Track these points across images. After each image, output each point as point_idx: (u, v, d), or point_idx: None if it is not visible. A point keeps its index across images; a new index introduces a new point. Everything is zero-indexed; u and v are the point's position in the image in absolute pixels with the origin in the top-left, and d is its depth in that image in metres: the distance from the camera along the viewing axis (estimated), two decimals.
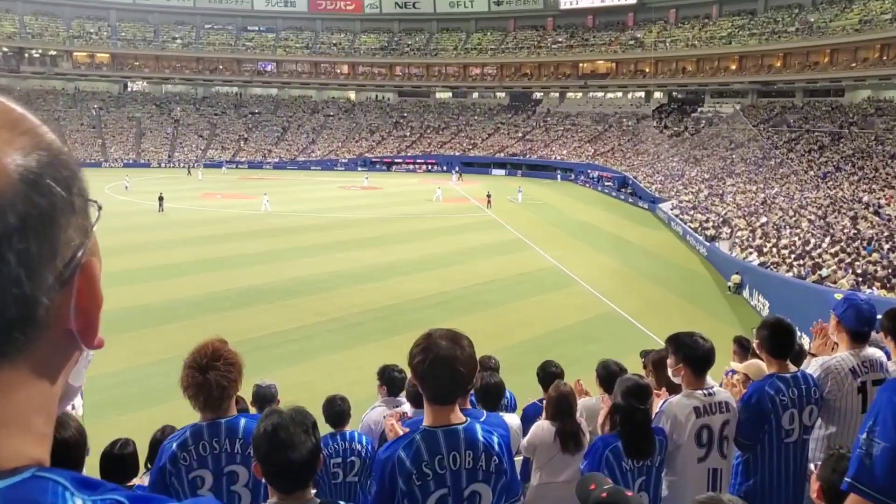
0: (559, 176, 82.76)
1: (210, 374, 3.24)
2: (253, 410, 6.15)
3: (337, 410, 5.82)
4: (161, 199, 47.60)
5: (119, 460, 4.47)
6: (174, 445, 3.35)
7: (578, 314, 23.83)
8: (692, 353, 4.21)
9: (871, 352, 4.44)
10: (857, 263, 25.58)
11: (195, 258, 31.78)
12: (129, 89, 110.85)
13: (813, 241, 30.44)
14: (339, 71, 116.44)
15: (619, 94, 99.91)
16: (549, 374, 6.75)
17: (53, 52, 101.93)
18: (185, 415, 3.50)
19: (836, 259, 26.58)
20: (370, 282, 27.79)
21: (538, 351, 19.38)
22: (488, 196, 53.37)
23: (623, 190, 65.73)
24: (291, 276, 28.51)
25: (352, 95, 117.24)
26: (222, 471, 3.33)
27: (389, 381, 6.45)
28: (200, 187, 64.79)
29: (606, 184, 71.29)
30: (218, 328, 20.48)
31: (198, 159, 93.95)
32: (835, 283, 23.13)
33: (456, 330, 2.91)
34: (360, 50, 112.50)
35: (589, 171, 78.63)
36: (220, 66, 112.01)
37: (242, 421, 3.36)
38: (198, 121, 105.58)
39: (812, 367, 4.64)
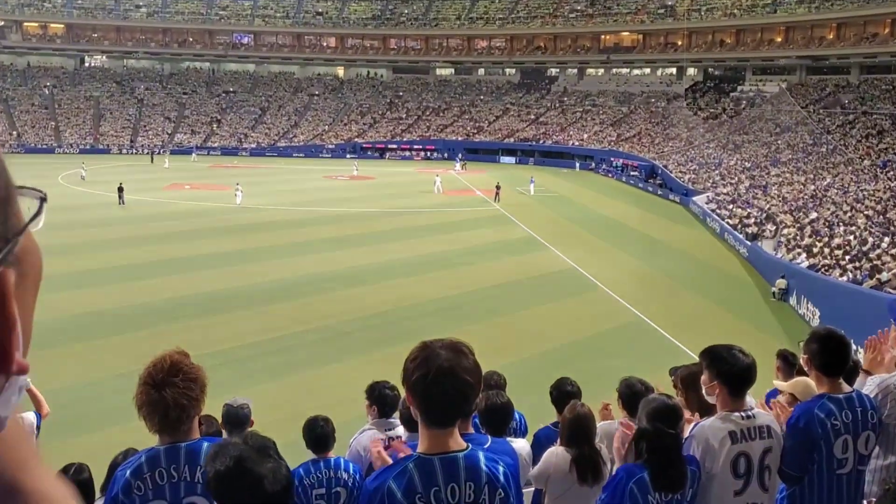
0: (577, 164, 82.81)
1: (167, 391, 3.21)
2: (226, 434, 6.13)
3: (319, 433, 5.79)
4: (121, 190, 47.71)
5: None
6: (128, 473, 3.32)
7: (599, 324, 23.80)
8: (729, 369, 4.18)
9: None
10: None
11: (159, 257, 31.80)
12: (87, 65, 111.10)
13: (871, 240, 30.38)
14: (325, 44, 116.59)
15: (647, 71, 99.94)
16: (564, 393, 6.72)
17: (1, 23, 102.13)
18: (150, 437, 3.48)
19: None
20: (359, 286, 27.78)
21: (552, 366, 19.35)
22: (496, 187, 53.39)
23: (651, 180, 65.72)
24: (269, 278, 28.52)
25: (340, 72, 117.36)
26: (181, 502, 3.31)
27: (380, 399, 6.41)
28: (166, 177, 64.86)
29: (632, 173, 71.29)
30: (184, 338, 20.48)
31: (164, 145, 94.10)
32: None
33: (457, 339, 2.88)
34: (349, 20, 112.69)
35: (612, 158, 78.67)
36: (190, 39, 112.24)
37: (205, 445, 3.33)
38: (164, 101, 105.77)
39: (868, 386, 4.60)
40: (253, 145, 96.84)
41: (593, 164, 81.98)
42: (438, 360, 2.75)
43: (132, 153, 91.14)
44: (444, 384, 2.72)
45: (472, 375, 2.77)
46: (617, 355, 20.66)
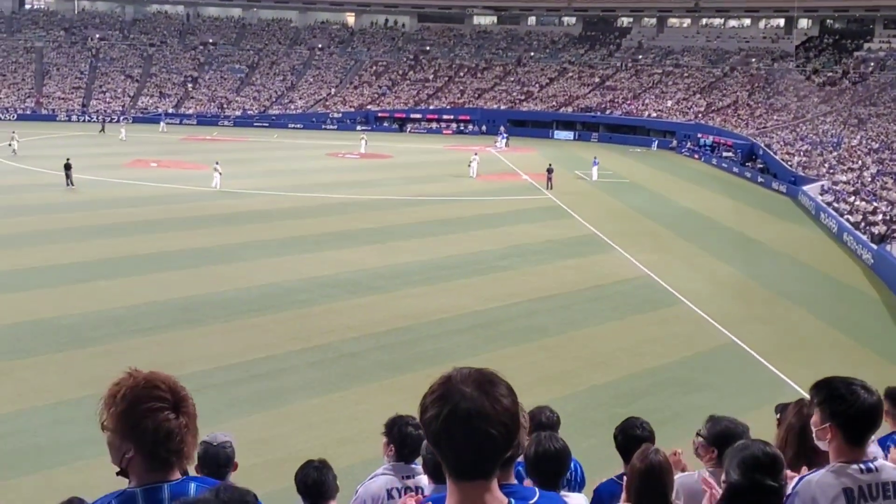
0: (654, 142, 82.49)
1: (181, 416, 3.25)
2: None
3: (314, 481, 5.85)
4: (68, 167, 48.35)
5: None
6: None
7: (680, 348, 23.66)
8: (847, 410, 4.16)
9: None
10: None
11: (117, 253, 32.19)
12: (27, 6, 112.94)
13: None
14: None
15: (747, 23, 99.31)
16: (631, 437, 6.72)
17: None
18: (102, 478, 3.50)
19: None
20: (370, 294, 27.90)
21: (618, 402, 19.27)
22: (548, 170, 53.36)
23: (750, 164, 65.25)
24: (256, 283, 28.75)
25: (350, 19, 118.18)
26: None
27: (401, 439, 6.43)
28: (127, 151, 65.68)
29: (725, 154, 70.83)
30: (149, 356, 20.75)
31: (124, 111, 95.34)
32: None
33: (489, 370, 2.88)
34: None
35: (699, 135, 78.26)
36: None
37: (192, 486, 3.36)
38: (125, 54, 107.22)
39: None
40: (237, 112, 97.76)
41: (675, 143, 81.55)
42: (458, 398, 2.74)
43: (84, 121, 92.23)
44: (462, 429, 2.73)
45: (498, 425, 2.74)
46: (702, 388, 20.51)
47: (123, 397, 3.25)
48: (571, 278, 30.97)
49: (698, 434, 6.10)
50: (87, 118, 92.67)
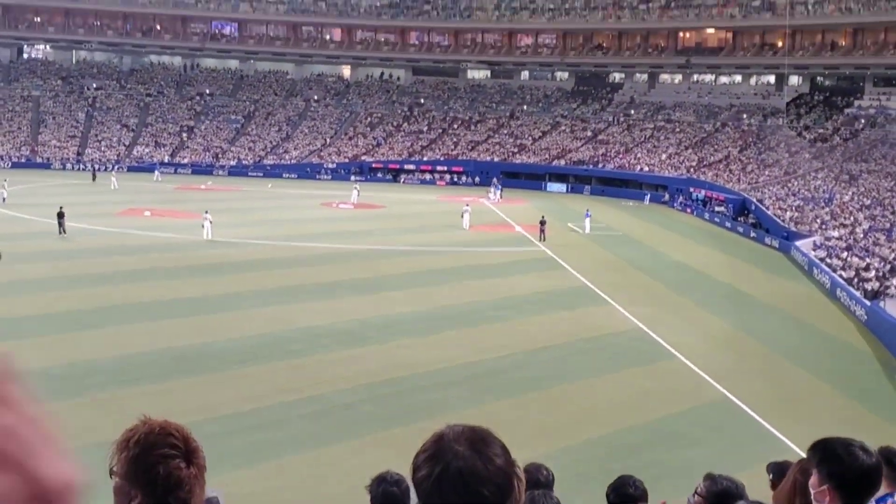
0: (647, 196, 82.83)
1: (192, 466, 3.21)
2: None
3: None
4: (61, 215, 48.34)
5: None
6: None
7: (673, 403, 23.57)
8: (845, 472, 4.12)
9: None
10: None
11: (108, 302, 32.10)
12: (26, 56, 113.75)
13: None
14: (327, 37, 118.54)
15: (738, 79, 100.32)
16: (624, 496, 6.66)
17: None
18: None
19: None
20: (364, 345, 27.81)
21: (612, 457, 19.13)
22: (541, 222, 53.49)
23: (742, 219, 65.44)
24: (247, 333, 28.66)
25: (345, 72, 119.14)
26: None
27: (384, 498, 6.39)
28: (121, 200, 65.73)
29: (717, 209, 71.09)
30: (139, 407, 20.39)
31: (119, 159, 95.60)
32: None
33: (482, 428, 2.86)
34: (358, 7, 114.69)
35: (691, 189, 78.62)
36: (158, 27, 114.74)
37: None
38: (122, 104, 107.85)
39: None
40: (232, 162, 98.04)
41: (667, 196, 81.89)
42: (450, 457, 2.71)
43: (79, 169, 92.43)
44: (454, 489, 2.69)
45: (496, 480, 2.72)
46: (696, 444, 20.40)
47: (137, 442, 3.22)
48: (565, 330, 30.94)
49: (696, 493, 6.06)
50: (81, 167, 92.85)
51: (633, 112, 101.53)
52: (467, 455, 2.68)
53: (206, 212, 49.14)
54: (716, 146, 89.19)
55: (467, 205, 59.18)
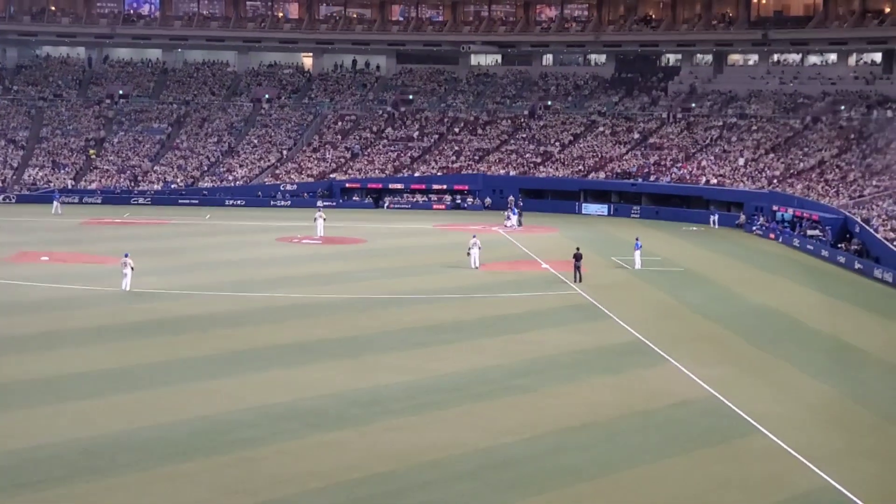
0: (715, 217, 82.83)
1: None
2: None
3: None
4: None
5: None
6: None
7: (759, 495, 23.42)
8: None
9: None
10: None
11: None
12: None
13: None
14: (280, 14, 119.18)
15: (833, 58, 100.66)
16: None
17: None
18: None
19: None
20: (339, 428, 27.65)
21: None
22: (576, 257, 53.49)
23: (843, 246, 65.37)
24: (182, 415, 28.49)
25: (306, 61, 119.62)
26: None
27: None
28: (8, 242, 65.65)
29: (810, 233, 71.06)
30: None
31: (5, 187, 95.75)
32: None
33: None
34: None
35: (774, 207, 78.61)
36: (52, 7, 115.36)
37: None
38: (6, 111, 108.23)
39: None
40: (157, 186, 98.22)
41: (742, 217, 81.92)
42: None
43: None
44: None
45: None
46: None
47: None
48: (610, 401, 30.79)
49: None
50: None
51: (694, 106, 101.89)
52: None
53: (126, 255, 49.11)
54: (806, 149, 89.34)
55: (475, 236, 59.23)
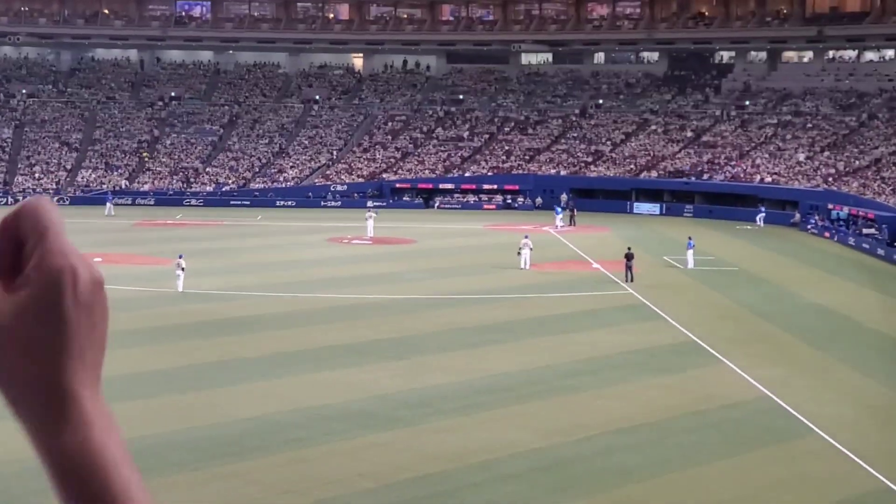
0: (762, 216, 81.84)
1: None
2: None
3: None
4: None
5: None
6: None
7: (816, 496, 23.27)
8: None
9: None
10: None
11: None
12: None
13: None
14: (331, 16, 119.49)
15: (890, 54, 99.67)
16: None
17: None
18: None
19: None
20: (389, 428, 27.77)
21: None
22: (628, 256, 53.28)
23: None
24: (235, 416, 28.69)
25: (356, 62, 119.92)
26: None
27: None
28: None
29: (866, 232, 70.37)
30: None
31: (59, 189, 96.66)
32: None
33: None
34: None
35: (830, 205, 77.92)
36: (105, 11, 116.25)
37: None
38: (61, 114, 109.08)
39: None
40: (209, 188, 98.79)
41: (798, 216, 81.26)
42: None
43: (6, 203, 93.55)
44: None
45: None
46: None
47: None
48: (663, 402, 30.68)
49: None
50: (11, 199, 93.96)
51: (748, 103, 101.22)
52: None
53: (181, 256, 49.42)
54: (862, 146, 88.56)
55: (527, 236, 59.09)
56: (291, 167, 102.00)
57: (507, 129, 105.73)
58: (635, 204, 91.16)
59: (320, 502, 22.46)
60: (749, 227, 79.73)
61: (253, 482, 23.63)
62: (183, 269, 48.68)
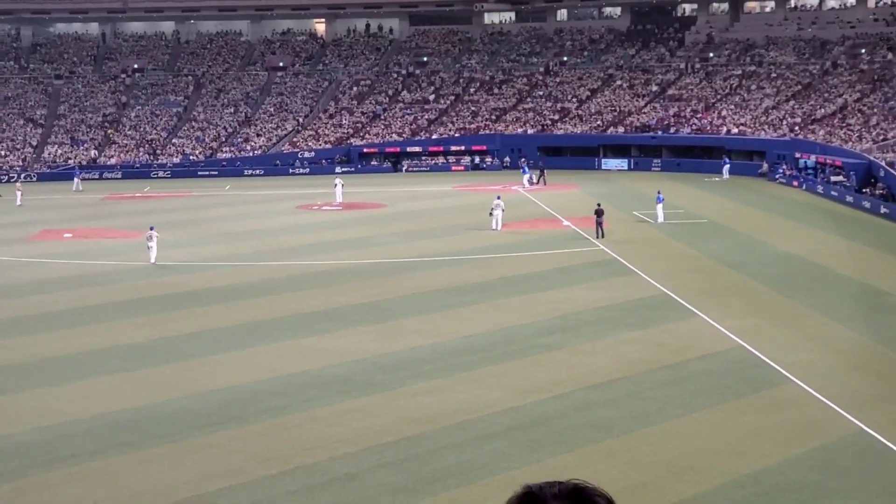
0: (727, 167, 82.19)
1: None
2: None
3: None
4: None
5: None
6: None
7: (792, 443, 23.42)
8: None
9: None
10: None
11: (21, 357, 32.17)
12: None
13: None
14: None
15: (852, 1, 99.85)
16: None
17: None
18: None
19: None
20: (367, 393, 27.79)
21: None
22: (597, 213, 53.36)
23: (868, 191, 65.04)
24: (212, 386, 28.67)
25: (319, 27, 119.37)
26: None
27: None
28: (30, 220, 65.97)
29: (834, 179, 70.72)
30: (74, 494, 20.67)
31: (25, 166, 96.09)
32: None
33: (578, 481, 2.90)
34: None
35: (796, 154, 78.24)
36: None
37: None
38: (23, 90, 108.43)
39: None
40: (175, 159, 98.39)
41: (765, 166, 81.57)
42: None
43: None
44: None
45: None
46: (829, 497, 20.35)
47: None
48: (638, 356, 30.79)
49: None
50: None
51: (712, 55, 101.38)
52: None
53: (151, 228, 49.18)
54: (826, 94, 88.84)
55: (499, 197, 59.00)
56: (258, 135, 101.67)
57: (472, 89, 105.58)
58: (603, 160, 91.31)
59: (301, 469, 22.48)
60: (717, 178, 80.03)
61: (233, 451, 23.64)
62: (155, 240, 48.54)
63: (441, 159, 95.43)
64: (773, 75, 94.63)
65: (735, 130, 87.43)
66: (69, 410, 26.85)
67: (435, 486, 20.84)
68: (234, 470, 22.43)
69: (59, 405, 27.33)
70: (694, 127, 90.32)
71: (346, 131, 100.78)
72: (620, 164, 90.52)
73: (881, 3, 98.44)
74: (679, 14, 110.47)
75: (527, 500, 2.80)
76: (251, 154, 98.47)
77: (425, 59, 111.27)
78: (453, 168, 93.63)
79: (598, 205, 54.04)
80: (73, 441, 24.54)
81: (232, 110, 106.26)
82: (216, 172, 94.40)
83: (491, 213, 56.62)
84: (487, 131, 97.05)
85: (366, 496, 20.96)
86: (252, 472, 22.35)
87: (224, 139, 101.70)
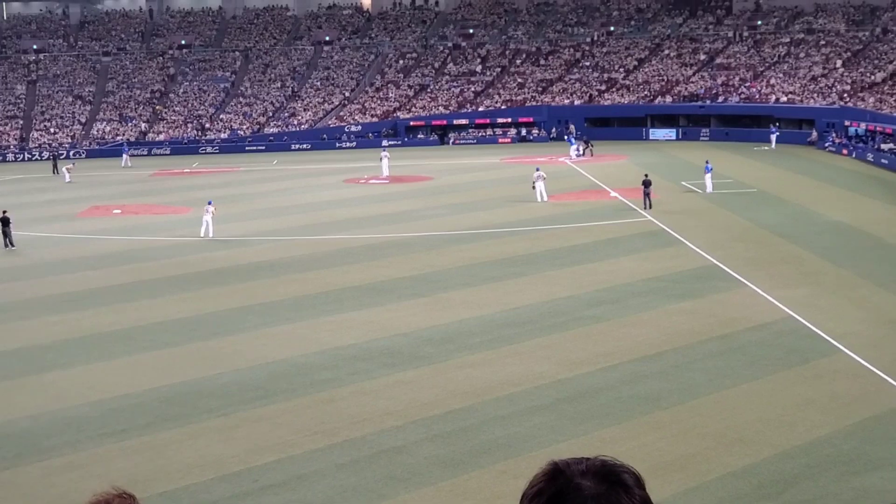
0: (775, 135, 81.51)
1: None
2: None
3: None
4: (5, 223, 49.04)
5: None
6: None
7: (841, 415, 23.21)
8: None
9: None
10: None
11: (74, 333, 32.53)
12: None
13: None
14: None
15: None
16: None
17: None
18: None
19: None
20: (414, 366, 27.82)
21: (764, 493, 18.96)
22: (645, 183, 53.10)
23: None
24: (261, 360, 28.81)
25: (365, 1, 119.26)
26: None
27: None
28: (80, 196, 66.53)
29: (885, 147, 69.99)
30: (124, 468, 20.83)
31: (75, 142, 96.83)
32: None
33: (606, 458, 2.84)
34: None
35: (847, 122, 77.48)
36: None
37: None
38: (72, 68, 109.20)
39: None
40: (223, 135, 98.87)
41: (814, 134, 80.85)
42: (579, 497, 2.73)
43: (25, 159, 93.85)
44: None
45: None
46: (878, 467, 20.10)
47: None
48: (687, 327, 30.64)
49: None
50: (28, 155, 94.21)
51: (760, 23, 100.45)
52: (601, 491, 2.72)
53: (210, 202, 49.37)
54: (877, 60, 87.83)
55: (538, 168, 58.81)
56: (305, 110, 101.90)
57: (518, 61, 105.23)
58: (651, 130, 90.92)
59: (349, 442, 22.53)
60: (766, 147, 79.38)
61: (282, 425, 23.73)
62: (211, 214, 48.76)
63: (488, 131, 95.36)
64: (822, 42, 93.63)
65: (784, 99, 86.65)
66: (119, 385, 27.07)
67: (482, 459, 20.81)
68: (282, 443, 22.52)
69: (110, 380, 27.56)
70: (742, 95, 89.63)
71: (392, 105, 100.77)
72: (668, 134, 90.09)
73: None
74: None
75: (553, 476, 2.74)
76: (298, 128, 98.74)
77: (471, 30, 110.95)
78: (500, 140, 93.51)
79: (646, 175, 53.80)
80: (124, 415, 24.73)
81: (279, 85, 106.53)
82: (263, 147, 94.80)
83: (533, 186, 56.51)
84: (534, 103, 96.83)
85: (413, 469, 20.97)
86: (300, 445, 22.43)
87: (271, 114, 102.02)
